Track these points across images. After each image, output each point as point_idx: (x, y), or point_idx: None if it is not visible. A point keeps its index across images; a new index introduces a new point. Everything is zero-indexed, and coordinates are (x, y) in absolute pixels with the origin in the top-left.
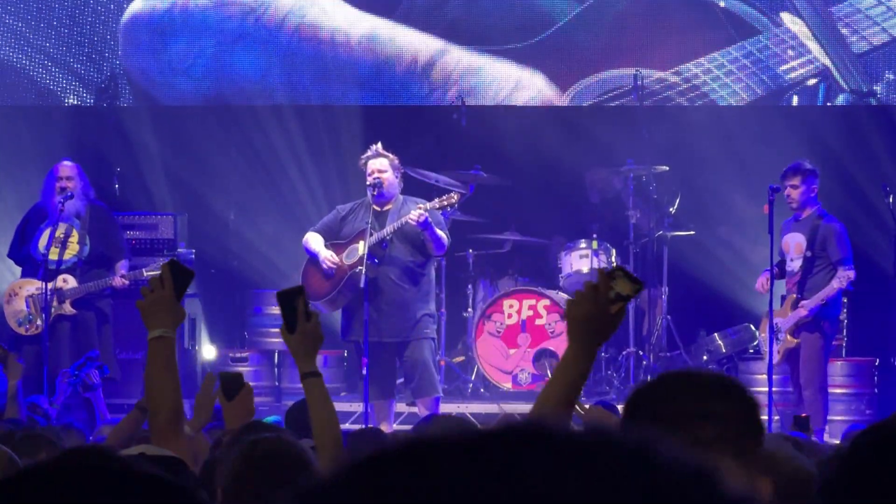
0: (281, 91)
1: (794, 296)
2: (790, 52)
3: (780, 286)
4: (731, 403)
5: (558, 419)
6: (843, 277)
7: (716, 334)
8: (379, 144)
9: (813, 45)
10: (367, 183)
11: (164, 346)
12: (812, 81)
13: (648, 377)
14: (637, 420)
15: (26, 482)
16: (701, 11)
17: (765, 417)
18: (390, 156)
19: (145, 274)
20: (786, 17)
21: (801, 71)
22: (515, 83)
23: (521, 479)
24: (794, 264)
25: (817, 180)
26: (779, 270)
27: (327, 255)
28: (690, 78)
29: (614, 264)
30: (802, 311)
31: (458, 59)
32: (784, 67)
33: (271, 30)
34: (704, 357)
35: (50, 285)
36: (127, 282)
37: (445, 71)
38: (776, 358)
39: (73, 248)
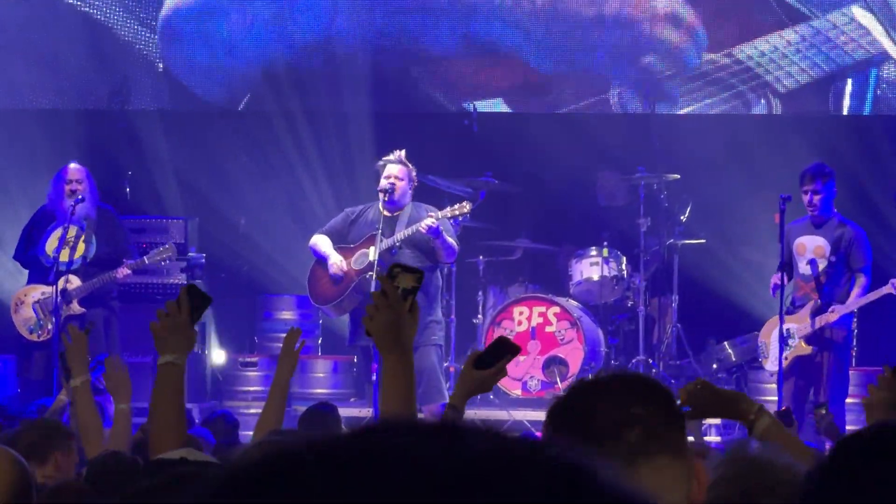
0: (349, 40)
1: (817, 301)
2: (842, 38)
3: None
4: (651, 403)
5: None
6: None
7: (725, 343)
8: (403, 152)
9: (875, 27)
10: (380, 186)
11: (173, 372)
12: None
13: (563, 392)
14: (559, 435)
15: None
16: None
17: None
18: (410, 165)
19: (147, 261)
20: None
21: (858, 55)
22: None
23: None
24: (810, 267)
25: (835, 183)
26: (786, 275)
27: (336, 261)
28: (743, 60)
29: (394, 263)
30: (833, 316)
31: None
32: (840, 52)
33: None
34: (714, 365)
35: (50, 288)
36: (130, 272)
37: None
38: (783, 364)
39: (79, 250)
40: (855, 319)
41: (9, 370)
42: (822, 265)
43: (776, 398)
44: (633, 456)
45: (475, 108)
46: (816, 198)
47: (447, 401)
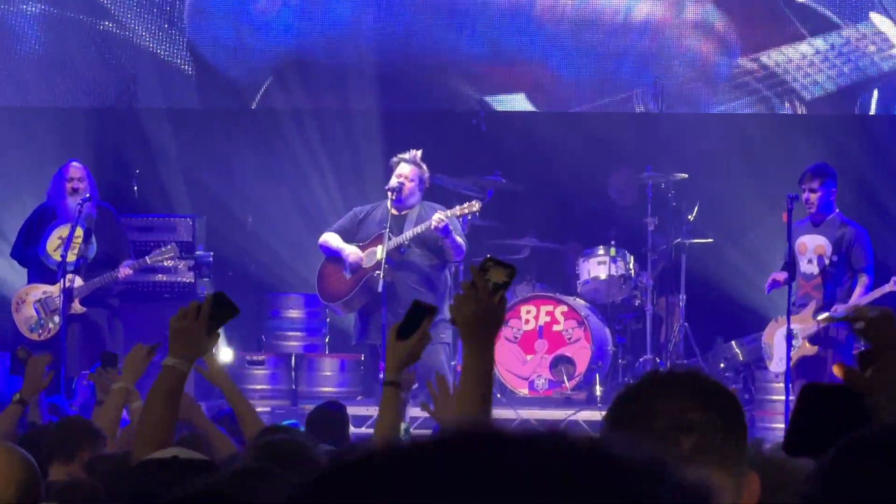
0: (373, 35)
1: (819, 301)
2: (871, 48)
3: (784, 289)
4: (709, 412)
5: (480, 418)
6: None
7: (733, 342)
8: (419, 153)
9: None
10: (389, 184)
11: (172, 377)
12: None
13: (626, 385)
14: (618, 432)
15: None
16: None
17: (780, 426)
18: (423, 167)
19: (148, 261)
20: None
21: (885, 65)
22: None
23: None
24: (812, 266)
25: (836, 183)
26: (787, 273)
27: (352, 250)
28: (770, 66)
29: (488, 256)
30: (835, 316)
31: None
32: (868, 61)
33: None
34: (721, 364)
35: (58, 287)
36: (131, 272)
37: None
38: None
39: (81, 250)
40: None
41: (1, 368)
42: (822, 263)
43: (783, 398)
44: (685, 464)
45: (483, 108)
46: (814, 196)
47: None
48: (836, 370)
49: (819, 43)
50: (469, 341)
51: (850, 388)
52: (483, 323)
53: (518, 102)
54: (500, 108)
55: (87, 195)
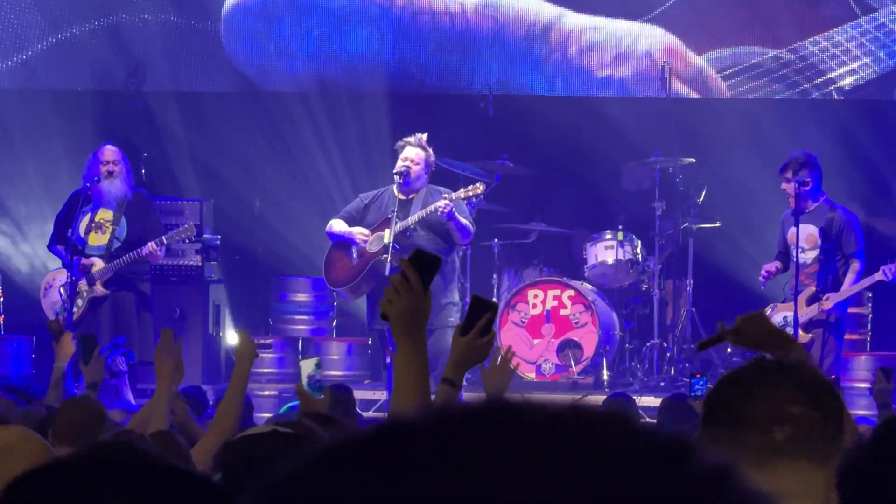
0: (392, 67)
1: (813, 289)
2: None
3: (780, 278)
4: (809, 406)
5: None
6: (873, 271)
7: None
8: (424, 136)
9: None
10: (395, 168)
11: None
12: None
13: (730, 369)
14: (712, 420)
15: (56, 474)
16: None
17: None
18: (429, 150)
19: (165, 241)
20: None
21: None
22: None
23: (485, 475)
24: (806, 256)
25: (816, 171)
26: (782, 264)
27: (360, 231)
28: (807, 56)
29: (415, 250)
30: (827, 304)
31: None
32: None
33: (381, 5)
34: (728, 349)
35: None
36: (158, 250)
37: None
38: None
39: (109, 232)
40: (869, 305)
41: (24, 351)
42: (813, 254)
43: None
44: (777, 455)
45: (491, 91)
46: (788, 186)
47: (463, 382)
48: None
49: (854, 29)
50: (402, 336)
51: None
52: (415, 316)
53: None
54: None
55: (97, 177)
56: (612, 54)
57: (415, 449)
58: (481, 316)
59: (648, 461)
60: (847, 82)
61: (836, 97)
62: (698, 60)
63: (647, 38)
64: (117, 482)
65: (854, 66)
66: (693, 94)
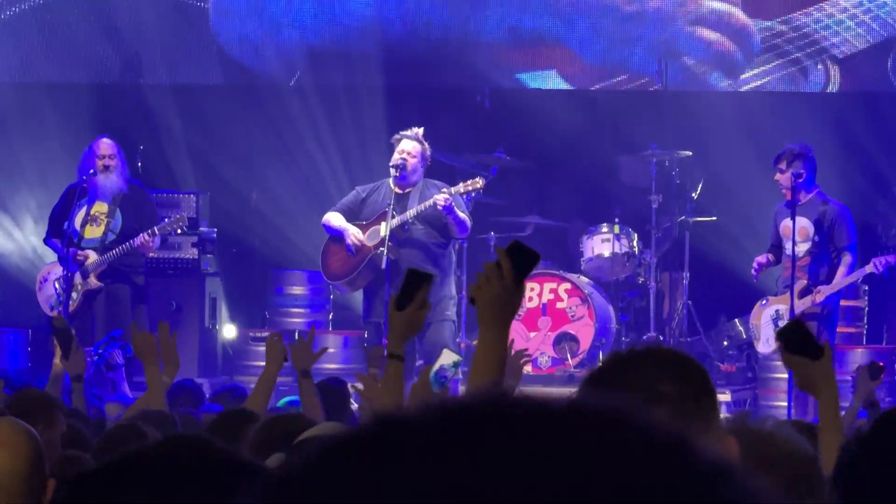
0: (399, 26)
1: (805, 282)
2: None
3: (773, 271)
4: (681, 383)
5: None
6: (863, 263)
7: (736, 320)
8: (420, 130)
9: None
10: (392, 161)
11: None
12: None
13: (598, 363)
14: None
15: (127, 470)
16: None
17: (783, 404)
18: (425, 144)
19: (157, 231)
20: None
21: None
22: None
23: (485, 468)
24: (799, 248)
25: (809, 163)
26: (774, 257)
27: (354, 232)
28: (801, 27)
29: (513, 240)
30: (819, 297)
31: None
32: None
33: None
34: (725, 342)
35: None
36: (149, 238)
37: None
38: (774, 345)
39: (104, 224)
40: (865, 298)
41: (20, 344)
42: (805, 247)
43: (786, 375)
44: None
45: (487, 85)
46: (782, 177)
47: (459, 377)
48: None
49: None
50: (486, 323)
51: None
52: (502, 306)
53: (551, 80)
54: (532, 84)
55: (93, 171)
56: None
57: (412, 447)
58: (417, 289)
59: (649, 458)
60: (841, 52)
61: (831, 69)
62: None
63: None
64: (198, 478)
65: (847, 35)
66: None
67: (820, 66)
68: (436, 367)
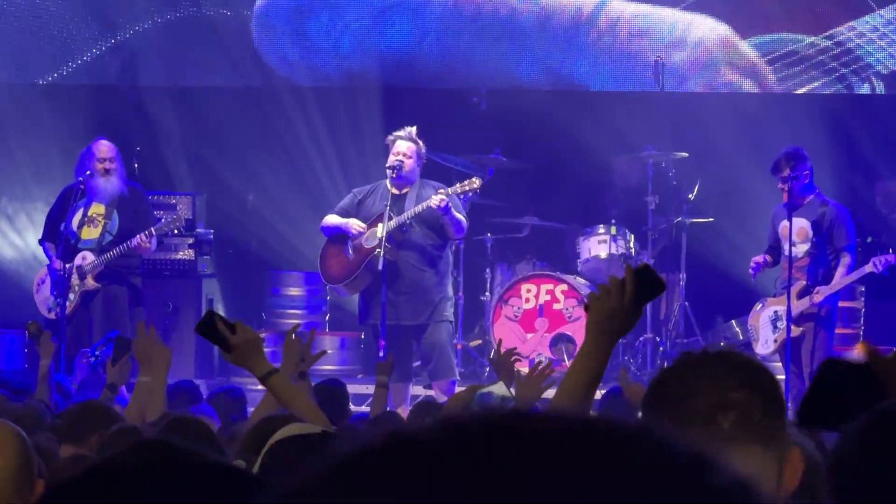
0: (434, 61)
1: (804, 283)
2: None
3: (771, 272)
4: (751, 389)
5: (579, 410)
6: (861, 264)
7: (733, 321)
8: (414, 129)
9: None
10: (388, 163)
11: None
12: None
13: (665, 366)
14: (655, 417)
15: (100, 477)
16: None
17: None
18: (420, 143)
19: (154, 231)
20: None
21: None
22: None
23: (499, 483)
24: (798, 249)
25: (808, 164)
26: (772, 258)
27: (355, 223)
28: (844, 42)
29: (643, 262)
30: (818, 298)
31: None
32: None
33: None
34: (722, 343)
35: (67, 265)
36: (145, 239)
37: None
38: (772, 347)
39: (101, 226)
40: (862, 299)
41: (16, 345)
42: (804, 248)
43: (782, 377)
44: (726, 442)
45: (483, 85)
46: (786, 186)
47: (457, 377)
48: (860, 348)
49: (890, 13)
50: (592, 334)
51: (872, 367)
52: (613, 322)
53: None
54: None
55: (90, 172)
56: (665, 43)
57: (425, 463)
58: (216, 332)
59: (668, 477)
60: (885, 67)
61: (875, 84)
62: (749, 51)
63: (698, 27)
64: (169, 482)
65: (893, 50)
66: (748, 87)
67: (866, 84)
68: (486, 389)
